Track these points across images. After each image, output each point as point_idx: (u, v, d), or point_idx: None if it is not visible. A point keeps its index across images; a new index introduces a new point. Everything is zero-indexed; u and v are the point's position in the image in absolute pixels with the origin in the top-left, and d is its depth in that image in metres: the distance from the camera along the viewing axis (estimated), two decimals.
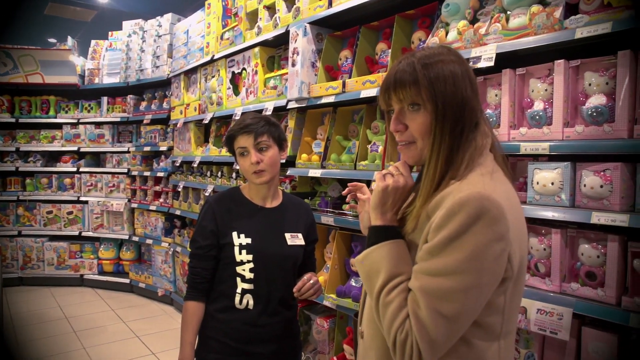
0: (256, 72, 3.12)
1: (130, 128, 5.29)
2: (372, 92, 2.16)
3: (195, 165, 4.00)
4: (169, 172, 4.59)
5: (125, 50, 5.12)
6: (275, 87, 2.94)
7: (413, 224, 0.90)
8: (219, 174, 3.68)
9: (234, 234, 1.55)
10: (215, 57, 3.66)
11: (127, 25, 5.20)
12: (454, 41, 1.86)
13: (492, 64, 1.67)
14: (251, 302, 1.54)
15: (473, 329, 0.85)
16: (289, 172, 2.69)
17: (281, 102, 2.79)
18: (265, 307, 1.55)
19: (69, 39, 5.62)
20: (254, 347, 1.54)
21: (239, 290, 1.54)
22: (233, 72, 3.47)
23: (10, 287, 4.91)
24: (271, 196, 1.65)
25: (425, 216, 0.88)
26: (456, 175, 0.87)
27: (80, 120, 5.35)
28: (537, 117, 1.61)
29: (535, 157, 1.69)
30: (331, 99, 2.41)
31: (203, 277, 1.58)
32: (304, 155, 2.64)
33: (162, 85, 4.87)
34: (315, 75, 2.60)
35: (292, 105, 2.70)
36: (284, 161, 1.74)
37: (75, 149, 5.32)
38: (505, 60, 1.71)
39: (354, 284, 2.34)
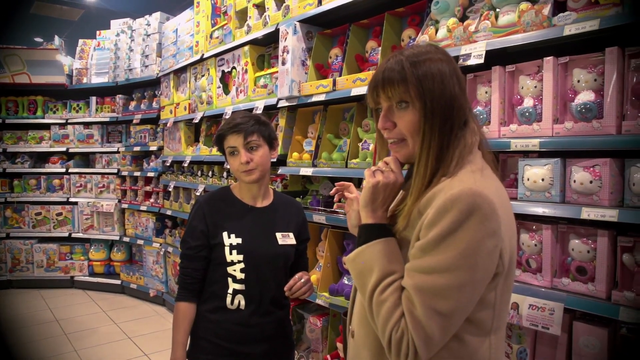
0: (246, 71, 3.09)
1: (119, 128, 5.23)
2: (362, 90, 2.15)
3: (185, 164, 3.97)
4: (160, 172, 4.54)
5: (113, 50, 5.05)
6: (265, 86, 2.91)
7: (404, 222, 0.90)
8: (210, 173, 3.65)
9: (224, 234, 1.53)
10: (204, 56, 3.62)
11: (115, 24, 5.14)
12: (443, 38, 1.85)
13: (482, 61, 1.67)
14: (243, 302, 1.52)
15: (465, 324, 0.85)
16: (280, 170, 2.67)
17: (272, 101, 2.77)
18: (257, 307, 1.54)
19: (56, 38, 5.53)
20: (246, 348, 1.52)
21: (230, 290, 1.52)
22: (223, 71, 3.43)
23: None
24: (262, 195, 1.63)
25: (416, 213, 0.87)
26: (447, 173, 0.87)
27: (69, 121, 5.27)
28: (527, 114, 1.62)
29: (526, 154, 1.69)
30: (322, 97, 2.40)
31: (194, 278, 1.56)
32: (295, 154, 2.62)
33: (152, 85, 4.82)
34: (306, 73, 2.58)
35: (282, 103, 2.68)
36: (274, 160, 1.72)
37: (64, 149, 5.24)
38: (495, 57, 1.71)
39: (346, 282, 2.33)
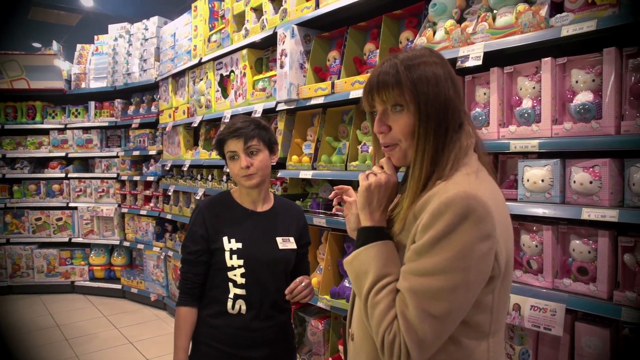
0: (244, 75, 3.09)
1: (118, 132, 5.23)
2: (361, 92, 2.14)
3: (185, 168, 3.96)
4: (159, 176, 4.54)
5: (111, 54, 5.06)
6: (264, 89, 2.91)
7: (400, 225, 0.90)
8: (209, 177, 3.65)
9: (225, 239, 1.53)
10: (203, 60, 3.62)
11: (113, 28, 5.13)
12: (441, 40, 1.85)
13: (480, 62, 1.67)
14: (244, 307, 1.52)
15: (461, 328, 0.85)
16: (280, 174, 2.67)
17: (270, 104, 2.77)
18: (258, 312, 1.53)
19: (54, 43, 5.53)
20: (247, 352, 1.52)
21: (231, 295, 1.52)
22: (221, 75, 3.43)
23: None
24: (262, 200, 1.63)
25: (412, 217, 0.88)
26: (442, 176, 0.87)
27: (68, 126, 5.27)
28: (526, 115, 1.61)
29: (525, 155, 1.69)
30: (320, 100, 2.40)
31: (195, 283, 1.56)
32: (295, 157, 2.62)
33: (150, 89, 4.82)
34: (304, 76, 2.58)
35: (281, 107, 2.68)
36: (274, 164, 1.72)
37: (63, 154, 5.23)
38: (493, 58, 1.71)
39: (347, 284, 2.33)
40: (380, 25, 2.21)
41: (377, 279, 0.87)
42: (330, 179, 2.63)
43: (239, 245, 1.53)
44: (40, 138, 5.29)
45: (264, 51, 3.12)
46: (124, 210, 4.94)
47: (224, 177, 3.44)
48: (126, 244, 4.94)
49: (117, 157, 5.10)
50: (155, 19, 4.60)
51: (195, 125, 3.75)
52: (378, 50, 2.22)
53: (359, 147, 2.30)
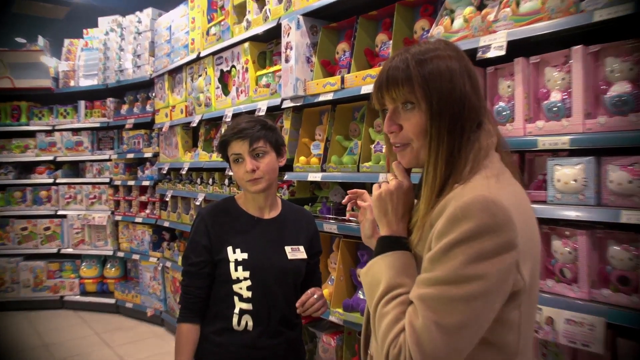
0: (247, 70, 3.11)
1: (111, 134, 5.28)
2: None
3: (183, 172, 3.99)
4: (155, 181, 4.58)
5: (102, 50, 5.11)
6: (268, 85, 2.93)
7: (417, 235, 0.91)
8: (210, 181, 3.68)
9: (229, 249, 1.54)
10: (201, 55, 3.65)
11: (104, 22, 5.19)
12: (460, 29, 1.85)
13: (503, 52, 1.67)
14: (250, 323, 1.53)
15: (485, 349, 0.84)
16: (287, 176, 2.69)
17: (275, 101, 2.79)
18: (266, 328, 1.54)
19: (40, 38, 5.59)
20: None
21: (236, 310, 1.53)
22: (221, 70, 3.46)
23: None
24: (269, 206, 1.64)
25: (429, 225, 0.88)
26: (459, 179, 0.88)
27: (56, 127, 5.33)
28: (555, 109, 1.61)
29: (555, 152, 1.68)
30: (329, 96, 2.41)
31: (197, 297, 1.57)
32: (302, 158, 2.63)
33: (145, 87, 4.86)
34: (311, 71, 2.59)
35: (287, 104, 2.70)
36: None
37: (51, 158, 5.29)
38: (518, 48, 1.70)
39: (361, 296, 2.33)
40: (393, 14, 2.21)
41: (388, 289, 0.88)
42: (341, 182, 2.63)
43: (245, 255, 1.54)
44: (26, 141, 5.35)
45: (268, 44, 3.13)
46: (118, 217, 4.98)
47: (226, 181, 3.46)
48: (120, 254, 4.97)
49: (109, 160, 5.15)
50: (149, 11, 4.64)
51: (194, 125, 3.77)
52: (391, 41, 2.22)
53: (372, 146, 2.31)
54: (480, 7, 1.90)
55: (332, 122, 2.60)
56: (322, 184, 2.82)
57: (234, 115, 3.18)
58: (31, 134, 5.36)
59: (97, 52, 5.19)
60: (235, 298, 1.53)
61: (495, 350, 0.85)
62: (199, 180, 3.86)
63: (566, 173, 1.56)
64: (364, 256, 2.38)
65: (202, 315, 1.58)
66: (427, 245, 0.87)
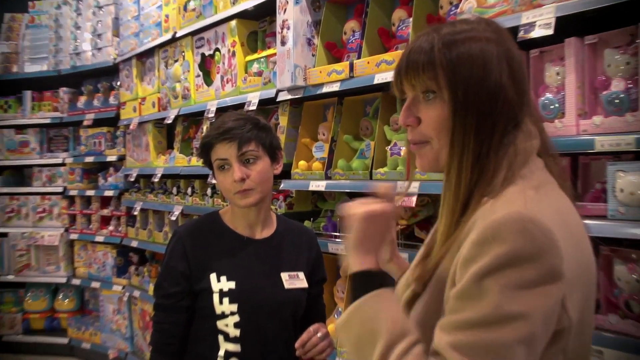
0: (234, 54, 3.13)
1: (65, 132, 5.30)
2: (388, 75, 2.16)
3: (156, 179, 4.00)
4: (121, 190, 4.59)
5: (53, 27, 5.13)
6: (260, 73, 2.94)
7: (434, 262, 0.92)
8: (189, 190, 3.68)
9: (213, 276, 1.55)
10: (177, 35, 3.67)
11: None
12: (496, 3, 1.86)
13: (551, 31, 1.67)
14: None
15: None
16: (283, 185, 2.69)
17: (269, 93, 2.80)
18: None
19: None
20: None
21: (221, 352, 1.53)
22: (203, 55, 3.48)
23: None
24: (261, 223, 1.64)
25: (456, 248, 0.88)
26: (489, 191, 0.87)
27: None
28: (617, 102, 1.61)
29: (617, 156, 1.68)
30: (335, 87, 2.42)
31: (172, 336, 1.58)
32: (302, 163, 2.64)
33: (108, 74, 4.88)
34: (313, 55, 2.61)
35: (283, 96, 2.71)
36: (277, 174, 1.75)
37: None
38: (569, 25, 1.71)
39: None
40: None
41: (393, 341, 0.85)
42: (350, 192, 2.63)
43: (232, 284, 1.54)
44: None
45: (260, 22, 3.15)
46: (74, 236, 4.99)
47: (209, 191, 3.47)
48: (76, 281, 4.97)
49: (63, 164, 5.16)
50: None
51: (169, 121, 3.79)
52: (411, 19, 2.23)
53: (388, 148, 2.31)
54: None
55: (338, 118, 2.61)
56: (327, 194, 2.83)
57: (219, 111, 3.19)
58: None
59: (46, 30, 5.21)
60: (220, 337, 1.53)
61: None
62: (175, 190, 3.87)
63: (632, 181, 1.56)
64: None
65: (179, 359, 1.58)
66: (450, 277, 0.86)
